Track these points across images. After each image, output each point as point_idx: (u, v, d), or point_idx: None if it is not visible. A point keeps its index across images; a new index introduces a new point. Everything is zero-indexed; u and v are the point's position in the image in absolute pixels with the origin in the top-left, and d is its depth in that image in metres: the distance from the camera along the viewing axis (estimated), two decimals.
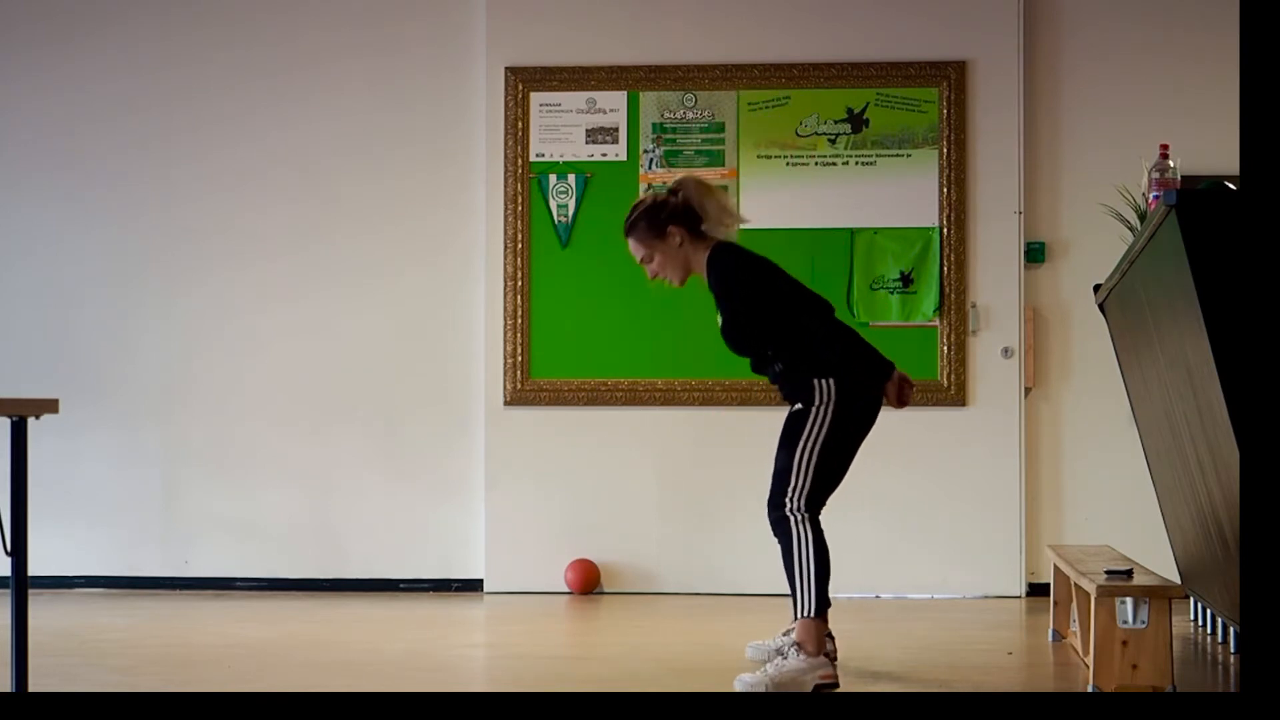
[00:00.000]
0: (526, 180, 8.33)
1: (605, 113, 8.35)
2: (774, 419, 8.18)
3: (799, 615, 5.39)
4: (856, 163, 8.27)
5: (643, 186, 8.29)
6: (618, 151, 8.35)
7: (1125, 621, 5.08)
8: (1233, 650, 6.08)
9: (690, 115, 8.33)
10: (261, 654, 6.36)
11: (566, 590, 8.22)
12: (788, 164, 8.28)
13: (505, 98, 8.34)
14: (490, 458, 8.35)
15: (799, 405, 5.50)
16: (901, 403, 5.58)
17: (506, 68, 8.35)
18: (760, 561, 8.25)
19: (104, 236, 8.60)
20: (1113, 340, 6.82)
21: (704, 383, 8.28)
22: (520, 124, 8.34)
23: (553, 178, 8.34)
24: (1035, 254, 8.27)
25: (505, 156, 8.32)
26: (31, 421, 4.69)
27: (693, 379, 8.29)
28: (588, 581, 8.22)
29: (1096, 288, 6.76)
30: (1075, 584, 5.80)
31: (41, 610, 6.83)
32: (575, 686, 5.52)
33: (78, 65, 8.61)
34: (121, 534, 8.53)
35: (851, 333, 5.61)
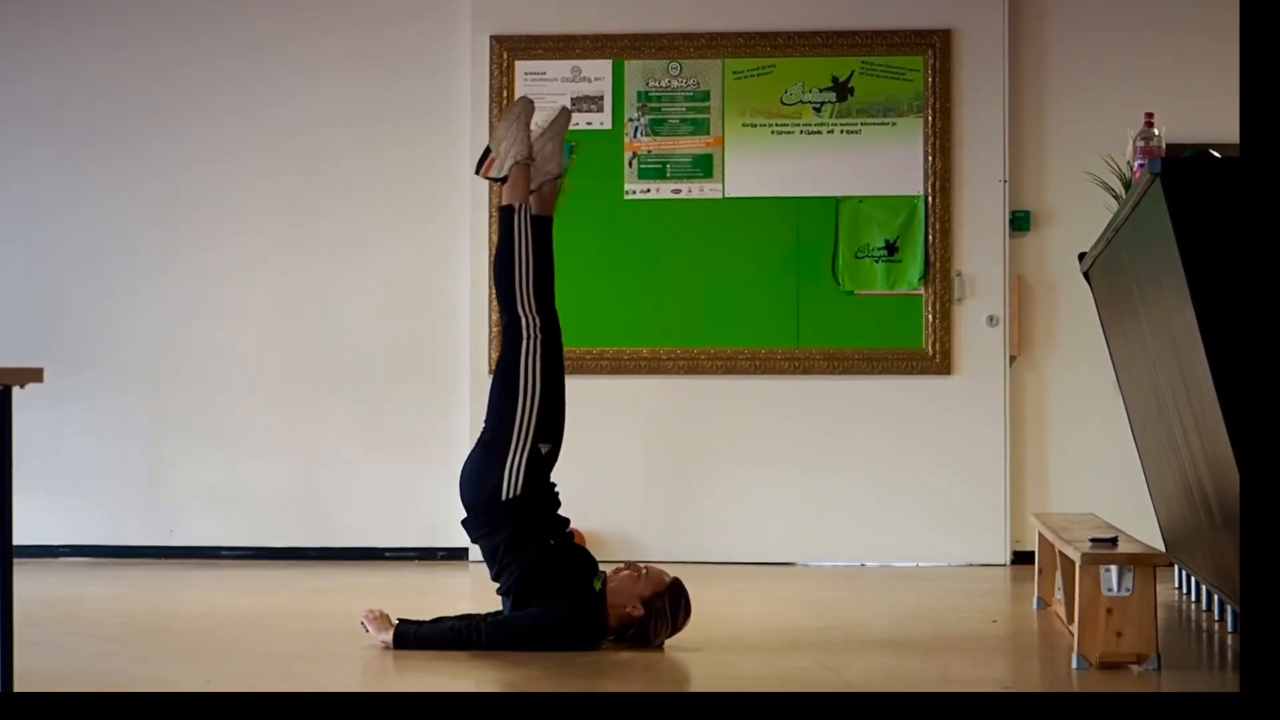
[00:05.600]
0: None
1: (590, 81, 8.33)
2: (759, 388, 8.24)
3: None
4: (841, 131, 8.26)
5: (627, 155, 8.28)
6: (603, 120, 8.33)
7: (1110, 589, 5.09)
8: (1216, 618, 6.11)
9: (675, 84, 8.31)
10: (247, 622, 6.37)
11: None
12: (773, 132, 8.27)
13: (490, 66, 8.32)
14: (475, 427, 8.31)
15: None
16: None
17: (491, 36, 8.33)
18: (745, 530, 8.28)
19: (91, 210, 8.57)
20: (1097, 309, 6.83)
21: (689, 351, 8.28)
22: (505, 93, 8.31)
23: None
24: (1020, 222, 8.28)
25: (490, 126, 8.30)
26: (17, 391, 4.68)
27: (678, 348, 8.29)
28: None
29: (1081, 256, 6.77)
30: (1060, 552, 5.81)
31: (26, 580, 6.81)
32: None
33: (64, 40, 8.57)
34: (107, 503, 8.53)
35: None
